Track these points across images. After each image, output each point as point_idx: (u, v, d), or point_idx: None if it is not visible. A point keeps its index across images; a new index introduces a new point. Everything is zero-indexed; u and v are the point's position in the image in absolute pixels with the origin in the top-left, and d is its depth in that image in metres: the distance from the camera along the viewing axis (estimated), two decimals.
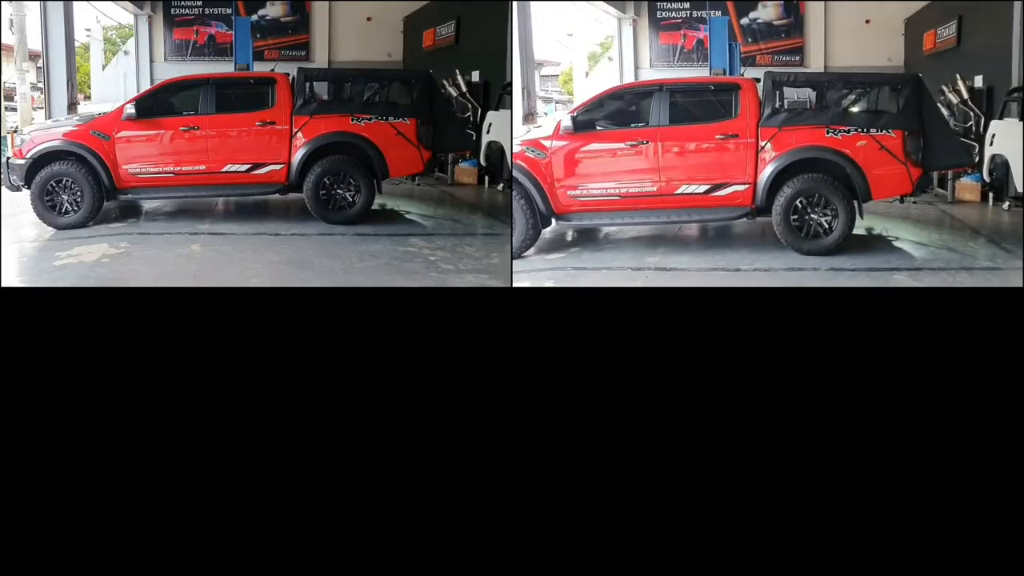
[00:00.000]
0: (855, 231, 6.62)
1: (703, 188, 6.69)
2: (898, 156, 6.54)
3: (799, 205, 6.49)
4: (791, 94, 7.05)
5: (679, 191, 6.71)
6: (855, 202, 6.50)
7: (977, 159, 8.54)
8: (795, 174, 6.56)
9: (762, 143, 6.63)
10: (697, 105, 7.02)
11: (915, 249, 6.85)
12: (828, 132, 6.58)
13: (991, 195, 8.37)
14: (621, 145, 6.81)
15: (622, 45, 13.95)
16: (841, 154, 6.54)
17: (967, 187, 8.76)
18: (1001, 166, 7.96)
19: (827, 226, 6.47)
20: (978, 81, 9.24)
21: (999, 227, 7.58)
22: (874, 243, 6.97)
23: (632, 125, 6.92)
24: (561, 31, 16.44)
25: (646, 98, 6.93)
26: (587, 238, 7.38)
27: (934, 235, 7.34)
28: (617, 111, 7.07)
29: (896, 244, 6.97)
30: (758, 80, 6.87)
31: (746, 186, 6.63)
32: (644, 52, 13.91)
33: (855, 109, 6.80)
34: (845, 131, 6.56)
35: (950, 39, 10.43)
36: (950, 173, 8.71)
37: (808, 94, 6.99)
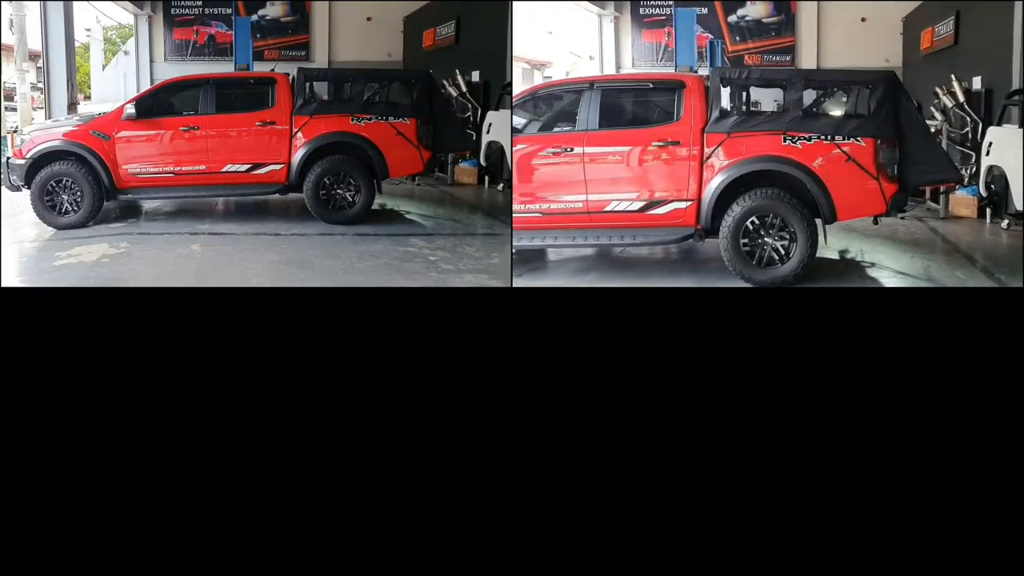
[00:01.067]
0: (825, 254, 5.77)
1: (638, 205, 5.69)
2: (869, 169, 5.49)
3: (750, 226, 5.52)
4: (778, 96, 6.22)
5: (609, 208, 5.72)
6: (817, 223, 5.52)
7: (974, 169, 7.80)
8: (746, 189, 5.57)
9: (708, 152, 5.62)
10: (634, 106, 6.12)
11: (891, 279, 5.94)
12: (785, 140, 5.55)
13: (988, 211, 7.49)
14: (541, 152, 5.83)
15: (603, 43, 13.71)
16: (800, 166, 5.51)
17: (962, 201, 7.86)
18: (999, 178, 7.05)
19: (783, 252, 5.50)
20: (976, 83, 8.56)
21: (995, 250, 6.65)
22: (843, 271, 6.03)
23: (555, 129, 5.96)
24: (543, 29, 16.38)
25: (575, 97, 5.93)
26: (527, 256, 6.40)
27: (918, 260, 6.32)
28: (543, 113, 6.20)
29: (870, 272, 6.06)
30: (707, 78, 5.91)
31: (689, 203, 5.64)
32: (626, 50, 13.61)
33: (820, 112, 5.81)
34: (805, 139, 5.53)
35: (948, 37, 9.76)
36: (941, 186, 7.75)
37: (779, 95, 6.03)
